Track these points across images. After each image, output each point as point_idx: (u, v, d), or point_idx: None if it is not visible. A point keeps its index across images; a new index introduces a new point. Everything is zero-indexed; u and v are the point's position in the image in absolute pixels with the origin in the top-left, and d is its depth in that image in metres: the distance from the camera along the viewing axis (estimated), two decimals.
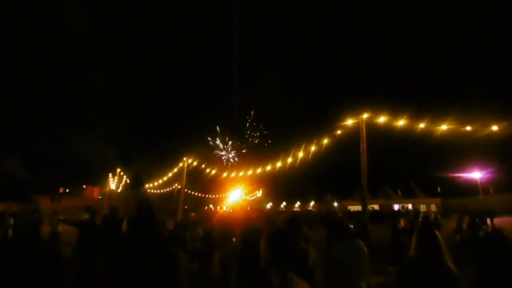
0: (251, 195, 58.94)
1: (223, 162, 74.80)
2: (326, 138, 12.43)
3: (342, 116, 10.95)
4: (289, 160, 14.51)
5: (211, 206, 55.26)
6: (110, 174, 39.08)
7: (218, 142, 76.34)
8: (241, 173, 20.71)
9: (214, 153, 76.09)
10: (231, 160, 76.35)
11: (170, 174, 26.38)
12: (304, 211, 49.39)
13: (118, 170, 34.46)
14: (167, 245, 2.18)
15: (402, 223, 9.89)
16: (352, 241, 3.58)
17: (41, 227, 3.56)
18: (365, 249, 3.57)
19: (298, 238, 2.15)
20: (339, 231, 3.67)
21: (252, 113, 76.52)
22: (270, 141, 75.67)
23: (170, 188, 33.98)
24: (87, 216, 10.79)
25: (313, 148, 12.98)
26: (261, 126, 76.64)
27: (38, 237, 2.92)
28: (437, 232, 2.71)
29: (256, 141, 76.09)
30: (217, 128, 76.73)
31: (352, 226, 7.78)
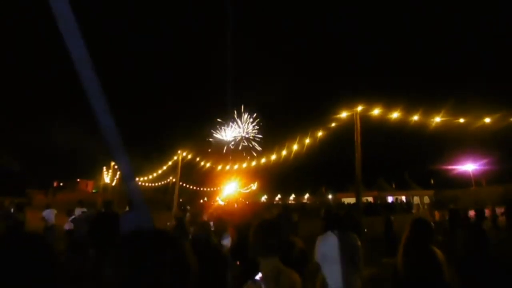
0: (246, 188, 59.02)
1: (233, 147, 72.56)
2: (321, 131, 12.45)
3: (336, 108, 10.96)
4: (284, 153, 14.54)
5: (205, 199, 55.33)
6: (104, 168, 38.91)
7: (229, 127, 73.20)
8: (236, 166, 20.75)
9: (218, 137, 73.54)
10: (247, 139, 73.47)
11: (164, 167, 26.34)
12: (298, 204, 49.66)
13: (112, 163, 34.28)
14: (170, 237, 2.17)
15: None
16: (344, 233, 3.61)
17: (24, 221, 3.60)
18: (358, 242, 3.62)
19: (285, 229, 2.19)
20: (333, 223, 3.70)
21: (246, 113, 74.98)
22: (261, 136, 74.62)
23: (165, 181, 33.95)
24: (83, 209, 10.72)
25: (307, 141, 13.01)
26: (254, 124, 75.33)
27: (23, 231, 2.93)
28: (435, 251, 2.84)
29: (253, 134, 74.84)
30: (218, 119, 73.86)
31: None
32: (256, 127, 73.93)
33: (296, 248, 3.80)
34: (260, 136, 73.56)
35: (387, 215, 11.14)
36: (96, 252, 5.79)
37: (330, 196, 55.19)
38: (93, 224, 6.57)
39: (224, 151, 72.40)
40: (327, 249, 3.46)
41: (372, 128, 11.77)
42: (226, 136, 73.58)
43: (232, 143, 73.31)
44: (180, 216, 9.62)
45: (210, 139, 73.60)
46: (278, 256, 2.07)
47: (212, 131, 74.15)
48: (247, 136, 74.01)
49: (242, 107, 74.18)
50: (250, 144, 73.19)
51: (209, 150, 70.63)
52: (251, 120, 74.45)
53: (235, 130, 73.79)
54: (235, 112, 73.89)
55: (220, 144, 73.62)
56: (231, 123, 73.41)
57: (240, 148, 72.99)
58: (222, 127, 74.15)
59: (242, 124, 73.98)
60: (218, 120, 73.95)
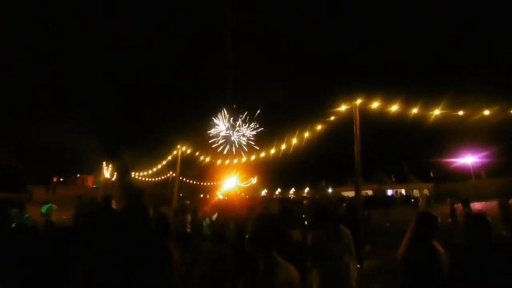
0: (246, 182, 59.11)
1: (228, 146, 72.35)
2: (320, 124, 12.41)
3: (335, 102, 10.91)
4: (283, 146, 14.50)
5: (207, 195, 55.43)
6: (104, 163, 38.87)
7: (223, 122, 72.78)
8: (235, 161, 20.76)
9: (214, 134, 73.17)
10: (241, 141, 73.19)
11: (164, 162, 26.31)
12: (298, 198, 49.76)
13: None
14: (159, 241, 2.18)
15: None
16: (333, 225, 3.62)
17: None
18: (347, 231, 3.63)
19: (281, 222, 2.18)
20: (321, 216, 3.70)
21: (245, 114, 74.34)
22: (262, 129, 74.18)
23: (165, 176, 33.95)
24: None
25: (306, 135, 12.97)
26: (255, 123, 74.74)
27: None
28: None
29: (251, 132, 74.39)
30: (224, 111, 73.18)
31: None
32: (253, 129, 73.66)
33: (293, 240, 3.81)
34: (254, 133, 73.30)
35: (367, 210, 11.42)
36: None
37: (330, 190, 55.36)
38: (89, 220, 6.51)
39: (219, 143, 72.29)
40: (321, 243, 3.46)
41: (371, 121, 11.74)
42: (222, 128, 73.33)
43: (226, 135, 73.12)
44: (163, 212, 9.68)
45: (209, 132, 73.31)
46: (275, 249, 2.07)
47: (212, 119, 73.73)
48: (242, 134, 73.81)
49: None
50: (247, 140, 73.00)
51: (203, 140, 70.16)
52: (247, 119, 74.21)
53: (230, 126, 73.66)
54: (230, 109, 73.65)
55: (217, 136, 73.51)
56: (224, 119, 73.20)
57: (232, 144, 72.91)
58: (219, 120, 73.89)
59: (239, 121, 73.80)
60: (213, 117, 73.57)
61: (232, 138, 73.04)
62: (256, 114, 73.17)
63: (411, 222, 3.02)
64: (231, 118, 73.36)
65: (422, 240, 2.88)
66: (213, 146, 71.85)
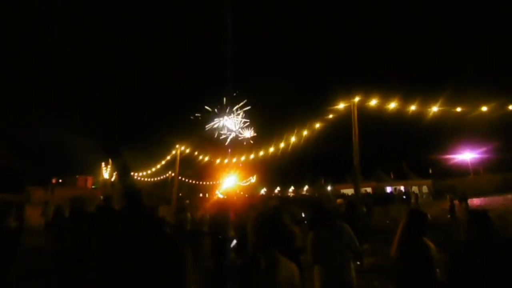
0: (245, 181, 59.00)
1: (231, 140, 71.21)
2: (318, 122, 12.43)
3: (333, 100, 10.92)
4: (282, 145, 14.52)
5: (206, 195, 55.33)
6: (103, 164, 38.84)
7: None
8: (234, 159, 20.79)
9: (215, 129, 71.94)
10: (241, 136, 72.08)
11: (163, 162, 26.32)
12: (297, 196, 49.74)
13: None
14: (169, 240, 2.16)
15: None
16: (334, 224, 3.62)
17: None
18: (348, 228, 3.63)
19: (282, 220, 2.16)
20: (320, 215, 3.69)
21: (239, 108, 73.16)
22: (255, 134, 73.37)
23: (164, 176, 33.93)
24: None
25: (305, 133, 13.00)
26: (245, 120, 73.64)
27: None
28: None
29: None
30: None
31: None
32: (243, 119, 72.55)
33: (297, 238, 3.83)
34: (246, 122, 72.37)
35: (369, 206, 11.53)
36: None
37: (329, 188, 55.32)
38: (88, 219, 6.52)
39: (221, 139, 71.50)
40: (321, 241, 3.46)
41: (370, 119, 11.77)
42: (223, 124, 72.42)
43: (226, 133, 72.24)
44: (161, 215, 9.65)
45: (206, 127, 72.53)
46: (276, 247, 2.07)
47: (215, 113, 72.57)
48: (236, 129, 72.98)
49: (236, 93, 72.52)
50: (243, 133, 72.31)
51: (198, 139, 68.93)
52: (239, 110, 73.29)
53: (229, 121, 72.73)
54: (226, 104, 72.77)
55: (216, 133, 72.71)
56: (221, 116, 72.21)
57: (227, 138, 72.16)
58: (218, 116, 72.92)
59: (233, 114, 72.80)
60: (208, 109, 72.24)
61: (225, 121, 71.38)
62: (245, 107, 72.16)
63: (402, 220, 3.07)
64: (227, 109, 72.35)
65: (413, 238, 2.92)
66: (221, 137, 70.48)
